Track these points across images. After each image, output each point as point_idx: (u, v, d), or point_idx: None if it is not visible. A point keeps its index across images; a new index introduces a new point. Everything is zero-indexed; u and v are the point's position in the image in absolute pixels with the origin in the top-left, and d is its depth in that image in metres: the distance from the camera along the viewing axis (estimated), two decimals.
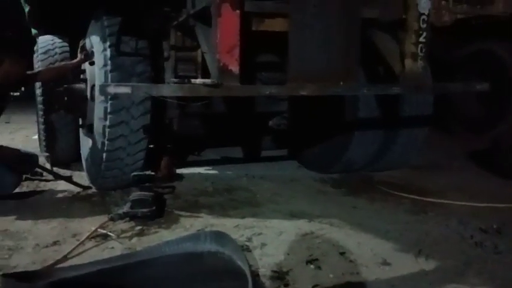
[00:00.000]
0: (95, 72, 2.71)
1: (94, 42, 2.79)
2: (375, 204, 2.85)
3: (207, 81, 2.08)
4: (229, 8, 2.05)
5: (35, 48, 3.86)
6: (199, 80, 2.11)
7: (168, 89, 2.04)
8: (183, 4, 2.55)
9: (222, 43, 2.08)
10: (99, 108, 2.67)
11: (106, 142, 2.69)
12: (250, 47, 2.31)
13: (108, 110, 2.62)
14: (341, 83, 2.28)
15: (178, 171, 3.50)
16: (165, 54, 2.87)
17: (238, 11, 2.07)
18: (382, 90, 2.48)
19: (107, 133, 2.66)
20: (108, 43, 2.61)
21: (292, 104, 3.69)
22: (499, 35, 3.93)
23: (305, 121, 3.77)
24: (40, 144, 4.14)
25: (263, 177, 3.51)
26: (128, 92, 1.87)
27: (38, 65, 3.73)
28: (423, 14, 2.32)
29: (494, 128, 4.03)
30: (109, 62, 2.60)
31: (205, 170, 3.81)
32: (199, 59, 2.89)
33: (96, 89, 2.53)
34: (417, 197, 2.91)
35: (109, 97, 2.52)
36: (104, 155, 2.73)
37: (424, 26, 2.33)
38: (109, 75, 2.54)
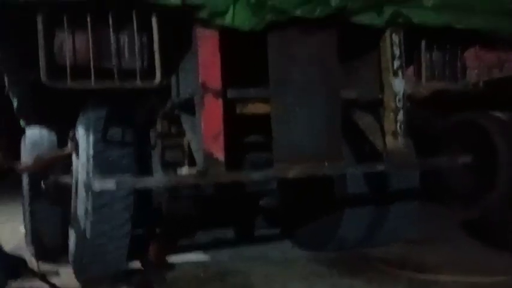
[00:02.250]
0: (79, 166, 2.72)
1: (80, 134, 2.83)
2: (373, 284, 2.77)
3: (193, 170, 2.10)
4: (211, 98, 2.12)
5: (23, 139, 3.90)
6: (185, 169, 2.13)
7: (154, 181, 2.04)
8: (169, 94, 2.64)
9: (207, 132, 2.13)
10: (81, 203, 2.63)
11: (88, 236, 2.62)
12: (236, 129, 2.37)
13: (91, 206, 2.57)
14: (326, 164, 2.32)
15: (169, 257, 3.40)
16: (152, 142, 2.92)
17: (220, 100, 2.14)
18: (366, 168, 2.51)
19: (89, 228, 2.61)
20: (93, 136, 2.64)
21: (282, 183, 3.70)
22: (478, 106, 4.09)
23: (296, 199, 3.76)
24: (26, 236, 4.03)
25: (257, 259, 3.43)
26: (113, 187, 1.87)
27: (25, 157, 3.74)
28: (398, 93, 2.42)
29: (482, 199, 4.05)
30: (93, 155, 2.60)
31: (197, 254, 3.71)
32: (186, 145, 2.93)
33: (80, 184, 2.52)
34: (414, 275, 2.85)
35: (92, 192, 2.49)
36: (86, 249, 2.66)
37: (401, 104, 2.42)
38: (93, 169, 2.54)
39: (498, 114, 4.27)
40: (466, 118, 4.49)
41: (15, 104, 3.56)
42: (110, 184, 1.89)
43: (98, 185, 1.90)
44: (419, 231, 3.82)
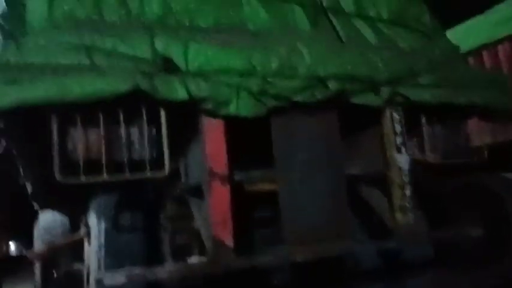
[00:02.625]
0: (91, 253, 2.72)
1: (91, 221, 2.86)
2: None
3: (202, 258, 2.10)
4: (219, 184, 2.17)
5: (36, 224, 3.94)
6: (194, 258, 2.14)
7: (165, 271, 2.04)
8: (178, 179, 2.70)
9: (215, 217, 2.15)
10: None
11: None
12: (244, 209, 2.39)
13: None
14: (335, 243, 2.31)
15: None
16: (162, 226, 2.93)
17: (228, 186, 2.18)
18: (377, 246, 2.49)
19: None
20: (104, 224, 2.68)
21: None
22: (485, 168, 4.06)
23: (308, 277, 3.66)
24: None
25: None
26: (124, 281, 1.87)
27: (38, 241, 3.76)
28: (403, 168, 2.45)
29: (499, 264, 3.91)
30: (104, 244, 2.63)
31: None
32: (195, 229, 2.94)
33: (91, 274, 2.52)
34: None
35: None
36: None
37: (407, 179, 2.45)
38: (104, 259, 2.55)
39: (508, 176, 4.23)
40: (476, 181, 4.44)
41: (29, 189, 3.64)
42: (120, 278, 1.90)
43: (109, 279, 1.91)
44: None
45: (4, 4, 2.09)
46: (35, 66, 1.82)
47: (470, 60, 5.49)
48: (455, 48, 3.03)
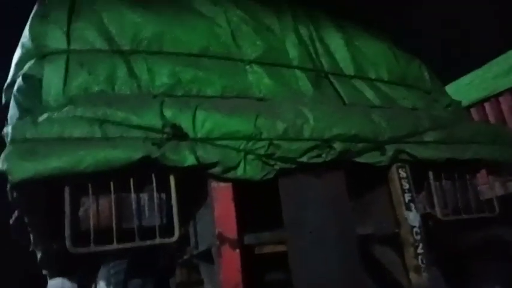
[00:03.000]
0: None
1: (101, 287, 2.83)
2: None
3: None
4: (229, 248, 2.16)
5: None
6: None
7: None
8: (187, 243, 2.69)
9: (225, 282, 2.12)
10: None
11: None
12: (255, 270, 2.35)
13: None
14: None
15: None
16: None
17: (238, 250, 2.17)
18: None
19: None
20: None
21: None
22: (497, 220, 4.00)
23: None
24: None
25: None
26: None
27: None
28: (414, 226, 2.43)
29: None
30: None
31: None
32: None
33: None
34: None
35: None
36: None
37: (419, 237, 2.42)
38: None
39: None
40: (491, 233, 4.36)
41: (38, 257, 3.63)
42: None
43: None
44: None
45: (21, 80, 2.21)
46: (50, 140, 1.89)
47: (473, 112, 5.57)
48: (457, 103, 3.10)
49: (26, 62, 2.25)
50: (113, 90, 2.21)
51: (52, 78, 2.15)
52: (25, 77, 2.18)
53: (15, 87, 2.23)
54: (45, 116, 1.99)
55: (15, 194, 2.04)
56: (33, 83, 2.17)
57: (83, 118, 1.99)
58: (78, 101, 2.08)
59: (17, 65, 2.34)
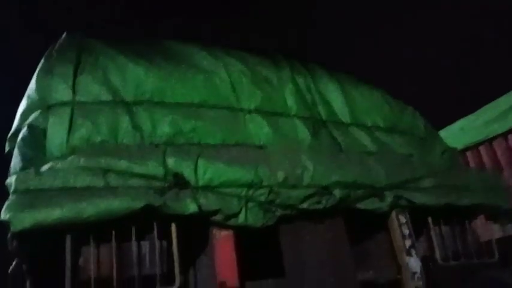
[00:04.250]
0: None
1: None
2: None
3: None
4: None
5: None
6: None
7: None
8: None
9: None
10: None
11: None
12: None
13: None
14: None
15: None
16: None
17: None
18: None
19: None
20: None
21: None
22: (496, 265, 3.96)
23: None
24: None
25: None
26: None
27: None
28: (415, 272, 2.42)
29: None
30: None
31: None
32: None
33: None
34: None
35: None
36: None
37: (420, 283, 2.41)
38: None
39: None
40: (492, 275, 4.31)
41: None
42: None
43: None
44: None
45: (26, 130, 2.25)
46: (52, 190, 1.91)
47: (469, 155, 5.66)
48: (452, 150, 3.16)
49: (31, 112, 2.30)
50: (115, 141, 2.24)
51: (56, 128, 2.19)
52: (30, 127, 2.22)
53: (20, 137, 2.26)
54: (48, 165, 2.02)
55: (15, 243, 2.04)
56: (37, 133, 2.20)
57: (86, 168, 2.01)
58: (82, 152, 2.11)
59: (21, 115, 2.38)
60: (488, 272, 4.26)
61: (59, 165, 2.02)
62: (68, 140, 2.17)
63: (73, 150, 2.13)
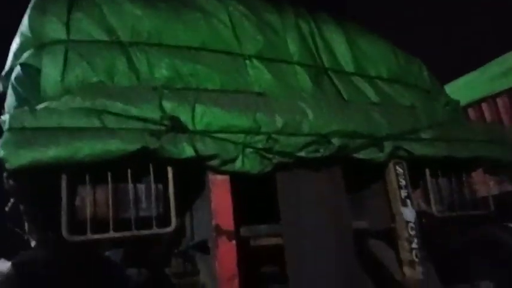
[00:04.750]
0: None
1: None
2: None
3: None
4: (225, 240, 2.17)
5: None
6: None
7: None
8: (183, 233, 2.69)
9: (222, 274, 2.13)
10: None
11: None
12: (251, 262, 2.35)
13: None
14: None
15: None
16: (168, 282, 2.88)
17: (234, 242, 2.18)
18: None
19: None
20: None
21: None
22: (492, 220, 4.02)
23: None
24: None
25: None
26: None
27: None
28: (410, 222, 2.45)
29: None
30: None
31: None
32: (201, 285, 2.89)
33: None
34: None
35: None
36: None
37: (414, 232, 2.44)
38: None
39: None
40: (486, 232, 4.38)
41: (33, 245, 3.62)
42: None
43: None
44: None
45: (19, 69, 2.20)
46: (48, 129, 1.89)
47: (471, 111, 5.61)
48: (456, 103, 3.11)
49: (24, 51, 2.24)
50: (111, 82, 2.20)
51: (50, 68, 2.14)
52: (23, 66, 2.18)
53: (13, 76, 2.22)
54: (43, 105, 1.99)
55: (11, 182, 2.04)
56: (31, 72, 2.16)
57: (82, 108, 1.98)
58: (77, 92, 2.07)
59: (15, 53, 2.33)
60: (482, 227, 4.35)
61: (54, 104, 1.99)
62: (62, 80, 2.13)
63: (68, 91, 2.09)
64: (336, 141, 2.30)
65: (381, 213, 2.60)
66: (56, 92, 2.09)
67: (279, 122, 2.21)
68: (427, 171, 2.65)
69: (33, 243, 3.53)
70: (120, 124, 1.97)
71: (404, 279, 2.42)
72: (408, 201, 2.48)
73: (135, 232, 2.05)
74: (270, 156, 2.23)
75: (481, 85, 5.56)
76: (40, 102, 2.01)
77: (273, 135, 2.21)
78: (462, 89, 5.63)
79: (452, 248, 4.53)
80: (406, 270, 2.41)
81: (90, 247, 2.26)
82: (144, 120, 2.01)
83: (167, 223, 2.11)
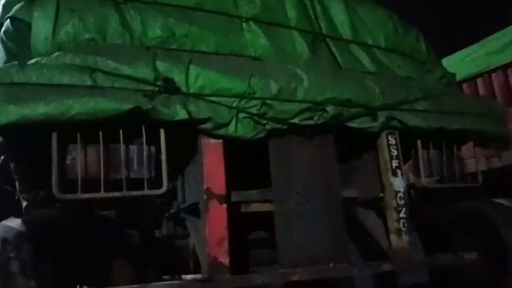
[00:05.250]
0: None
1: None
2: None
3: (198, 276, 2.10)
4: (216, 203, 2.18)
5: None
6: (189, 276, 2.13)
7: None
8: (174, 196, 2.70)
9: (211, 236, 2.15)
10: None
11: None
12: (241, 230, 2.38)
13: None
14: (331, 265, 2.31)
15: None
16: (158, 244, 2.93)
17: (225, 205, 2.19)
18: (372, 269, 2.49)
19: None
20: None
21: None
22: (479, 193, 4.08)
23: None
24: None
25: None
26: None
27: None
28: (399, 192, 2.48)
29: (498, 286, 3.90)
30: None
31: None
32: (191, 247, 2.94)
33: None
34: None
35: None
36: None
37: (402, 202, 2.47)
38: None
39: (502, 201, 4.27)
40: (470, 206, 4.47)
41: (24, 205, 3.63)
42: None
43: None
44: None
45: (9, 23, 2.13)
46: (38, 86, 1.85)
47: (465, 87, 5.60)
48: (451, 76, 3.10)
49: (15, 4, 2.17)
50: (104, 40, 2.15)
51: (41, 23, 2.07)
52: (13, 20, 2.11)
53: (2, 30, 2.16)
54: (33, 61, 1.94)
55: (0, 139, 2.02)
56: (21, 26, 2.10)
57: (73, 65, 1.94)
58: (68, 48, 2.02)
59: (4, 6, 2.25)
60: (468, 201, 4.43)
61: (45, 60, 1.94)
62: (53, 36, 2.07)
63: (59, 47, 2.04)
64: (330, 109, 2.29)
65: (371, 183, 2.63)
66: (47, 48, 2.04)
67: (274, 87, 2.19)
68: (419, 143, 2.66)
69: (24, 203, 3.54)
70: (112, 83, 1.94)
71: (391, 248, 2.47)
72: (398, 171, 2.50)
73: (126, 193, 2.05)
74: (264, 122, 2.22)
75: (476, 60, 5.53)
76: (30, 58, 1.96)
77: (267, 101, 2.19)
78: (458, 63, 5.59)
79: (439, 220, 4.64)
80: (393, 238, 2.45)
81: (82, 207, 2.26)
82: (137, 80, 1.97)
83: (158, 185, 2.10)
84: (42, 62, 1.94)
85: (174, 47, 2.25)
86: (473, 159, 3.32)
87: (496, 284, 3.91)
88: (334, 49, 2.63)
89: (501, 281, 3.87)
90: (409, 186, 2.78)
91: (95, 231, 2.52)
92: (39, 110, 1.80)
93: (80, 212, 2.41)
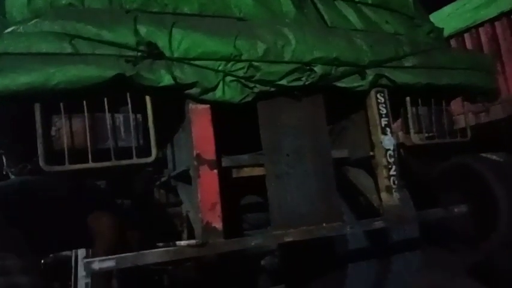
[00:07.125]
0: None
1: None
2: None
3: (192, 242, 2.11)
4: (207, 169, 2.17)
5: None
6: (184, 242, 2.15)
7: (154, 255, 2.05)
8: (165, 165, 2.68)
9: (204, 202, 2.15)
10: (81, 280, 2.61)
11: None
12: (233, 194, 2.39)
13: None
14: (324, 224, 2.34)
15: None
16: (150, 212, 2.94)
17: (216, 170, 2.19)
18: (364, 226, 2.53)
19: None
20: None
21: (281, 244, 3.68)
22: (469, 148, 4.13)
23: (297, 258, 3.71)
24: None
25: None
26: (113, 265, 1.87)
27: None
28: (389, 149, 2.49)
29: (485, 241, 4.02)
30: None
31: None
32: (184, 213, 2.95)
33: (80, 264, 2.52)
34: None
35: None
36: None
37: (392, 160, 2.49)
38: None
39: (490, 156, 4.34)
40: (459, 162, 4.53)
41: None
42: (110, 263, 1.90)
43: (98, 264, 1.91)
44: (430, 279, 3.77)
45: None
46: (17, 55, 1.78)
47: (453, 42, 5.56)
48: (439, 30, 3.06)
49: None
50: (82, 4, 2.06)
51: None
52: None
53: None
54: (9, 29, 1.86)
55: None
56: None
57: (51, 33, 1.86)
58: (46, 15, 1.93)
59: None
60: (457, 156, 4.49)
61: (22, 28, 1.86)
62: (29, 2, 1.99)
63: (36, 14, 1.95)
64: (318, 69, 2.25)
65: (361, 142, 2.63)
66: (23, 15, 1.96)
67: (261, 48, 2.14)
68: (408, 99, 2.65)
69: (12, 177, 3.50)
70: (94, 49, 1.87)
71: (381, 205, 2.50)
72: (388, 129, 2.50)
73: (114, 162, 2.02)
74: (251, 85, 2.18)
75: (464, 15, 5.48)
76: (7, 27, 1.88)
77: (254, 63, 2.14)
78: (445, 18, 5.54)
79: (429, 176, 4.72)
80: (384, 196, 2.48)
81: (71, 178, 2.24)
82: (119, 45, 1.91)
83: (147, 154, 2.08)
84: (19, 30, 1.86)
85: (156, 10, 2.17)
86: (462, 115, 3.34)
87: (485, 238, 4.02)
88: (320, 6, 2.56)
89: (490, 235, 3.99)
90: (399, 144, 2.79)
91: (85, 198, 2.51)
92: (20, 80, 1.75)
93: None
